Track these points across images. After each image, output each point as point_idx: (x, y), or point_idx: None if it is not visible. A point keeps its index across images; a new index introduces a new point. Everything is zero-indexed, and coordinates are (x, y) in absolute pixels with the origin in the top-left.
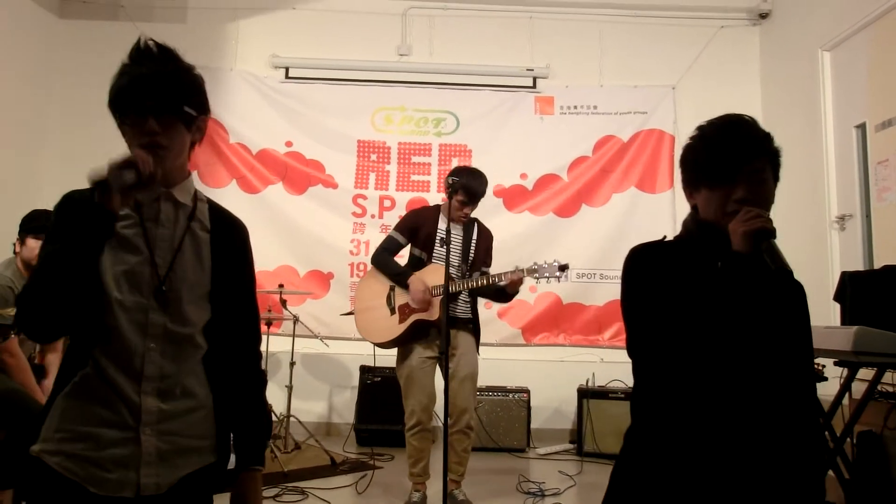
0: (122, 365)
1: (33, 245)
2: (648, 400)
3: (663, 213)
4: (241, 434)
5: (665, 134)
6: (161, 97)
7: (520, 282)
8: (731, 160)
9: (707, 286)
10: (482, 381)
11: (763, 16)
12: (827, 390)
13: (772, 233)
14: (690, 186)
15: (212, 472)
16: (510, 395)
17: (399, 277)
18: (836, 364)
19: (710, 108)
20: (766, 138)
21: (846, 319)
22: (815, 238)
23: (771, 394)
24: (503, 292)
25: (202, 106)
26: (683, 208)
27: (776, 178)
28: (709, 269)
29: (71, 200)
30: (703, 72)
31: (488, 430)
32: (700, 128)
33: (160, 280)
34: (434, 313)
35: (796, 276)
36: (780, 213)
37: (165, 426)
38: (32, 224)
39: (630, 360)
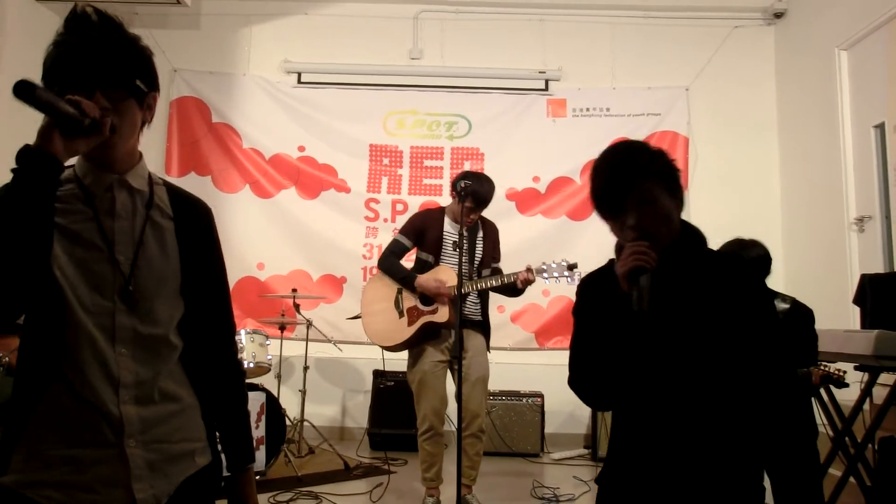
0: (94, 376)
1: None
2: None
3: None
4: (228, 433)
5: (679, 136)
6: (111, 68)
7: (529, 280)
8: (615, 193)
9: (620, 315)
10: (495, 386)
11: (778, 15)
12: (848, 395)
13: (644, 270)
14: (600, 216)
15: (209, 473)
16: (524, 400)
17: (406, 281)
18: (856, 368)
19: (725, 110)
20: (652, 160)
21: (866, 323)
22: (833, 240)
23: (717, 399)
24: (514, 287)
25: (153, 82)
26: (697, 211)
27: (674, 189)
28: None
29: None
30: (717, 72)
31: (502, 434)
32: (598, 158)
33: (125, 279)
34: (443, 315)
35: (813, 279)
36: (798, 215)
37: (150, 434)
38: None
39: None
